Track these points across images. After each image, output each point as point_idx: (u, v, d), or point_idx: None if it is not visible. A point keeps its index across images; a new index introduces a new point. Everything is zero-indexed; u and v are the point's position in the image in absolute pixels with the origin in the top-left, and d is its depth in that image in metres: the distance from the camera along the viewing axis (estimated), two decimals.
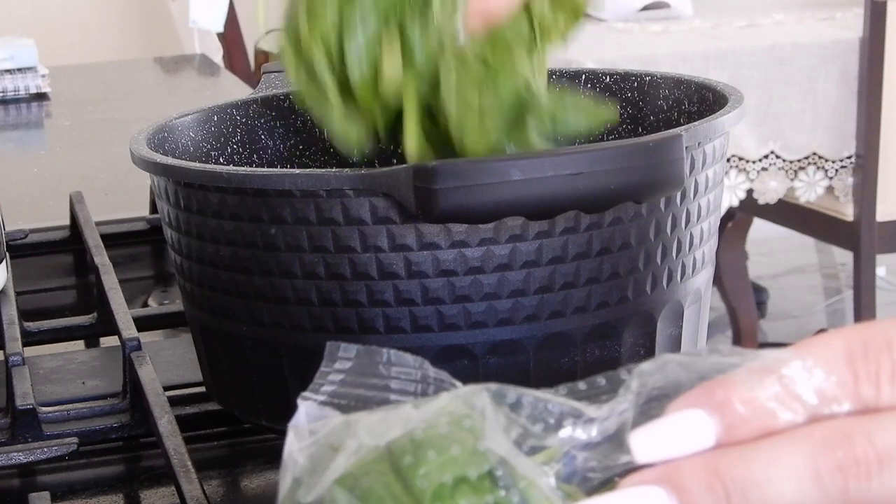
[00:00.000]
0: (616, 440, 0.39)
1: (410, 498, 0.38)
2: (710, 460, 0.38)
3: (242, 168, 0.70)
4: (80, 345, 0.87)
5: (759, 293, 3.23)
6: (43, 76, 1.82)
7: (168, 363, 0.79)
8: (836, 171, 2.53)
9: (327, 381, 0.43)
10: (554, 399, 0.40)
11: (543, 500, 0.38)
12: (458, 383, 0.42)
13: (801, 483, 0.37)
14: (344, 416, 0.41)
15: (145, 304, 0.99)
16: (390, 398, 0.42)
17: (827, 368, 0.38)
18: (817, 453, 0.37)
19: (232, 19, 2.85)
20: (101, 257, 0.88)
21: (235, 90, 1.79)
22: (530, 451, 0.40)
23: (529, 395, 0.40)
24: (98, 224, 0.98)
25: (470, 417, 0.39)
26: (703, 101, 0.68)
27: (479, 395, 0.40)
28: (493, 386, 0.40)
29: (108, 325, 0.81)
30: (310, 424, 0.41)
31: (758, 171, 2.53)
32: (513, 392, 0.40)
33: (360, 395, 0.43)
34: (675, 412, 0.39)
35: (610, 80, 0.75)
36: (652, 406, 0.40)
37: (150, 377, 0.69)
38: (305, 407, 0.42)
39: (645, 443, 0.39)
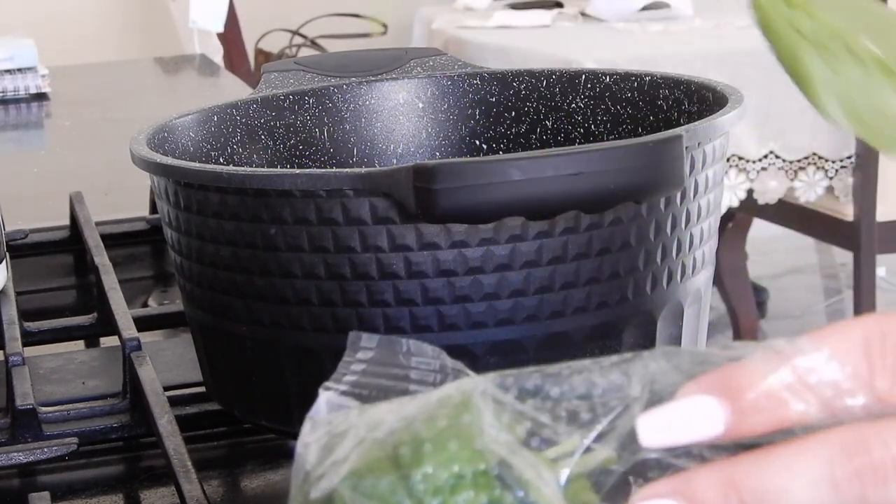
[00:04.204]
0: (632, 432, 0.39)
1: (411, 498, 0.38)
2: (724, 470, 0.37)
3: (242, 168, 0.70)
4: (80, 345, 0.87)
5: (759, 293, 3.23)
6: (43, 76, 1.82)
7: (168, 363, 0.79)
8: (836, 171, 2.53)
9: (349, 371, 0.43)
10: (564, 380, 0.40)
11: (543, 501, 0.38)
12: (473, 374, 0.42)
13: (818, 491, 0.37)
14: (358, 406, 0.41)
15: (145, 304, 0.99)
16: (410, 388, 0.42)
17: (842, 359, 0.38)
18: (834, 460, 0.37)
19: (232, 19, 2.85)
20: (101, 257, 0.88)
21: (235, 90, 1.79)
22: (543, 444, 0.39)
23: (538, 378, 0.40)
24: (98, 224, 0.98)
25: (469, 412, 0.39)
26: (703, 101, 0.68)
27: (478, 389, 0.40)
28: (495, 377, 0.40)
29: (108, 325, 0.81)
30: (327, 415, 0.41)
31: (758, 171, 2.53)
32: (519, 379, 0.40)
33: (380, 385, 0.43)
34: (685, 397, 0.38)
35: (610, 80, 0.75)
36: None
37: (150, 377, 0.70)
38: (326, 397, 0.42)
39: (652, 427, 0.38)
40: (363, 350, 0.44)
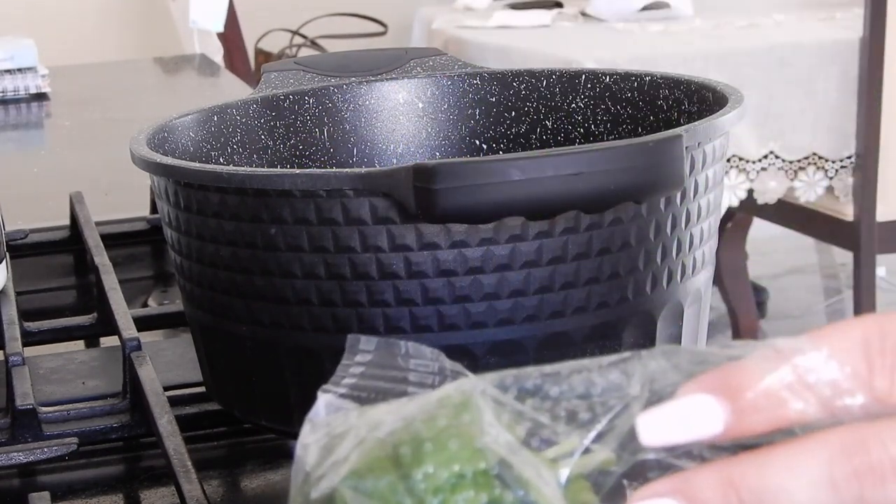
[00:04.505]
0: (632, 431, 0.39)
1: (412, 497, 0.38)
2: (724, 470, 0.38)
3: (242, 168, 0.70)
4: (80, 345, 0.87)
5: (759, 293, 3.23)
6: (43, 76, 1.82)
7: (168, 363, 0.79)
8: (836, 171, 2.53)
9: (348, 373, 0.43)
10: (563, 380, 0.40)
11: (543, 501, 0.38)
12: (472, 375, 0.42)
13: (817, 491, 0.37)
14: (357, 408, 0.41)
15: (145, 304, 0.99)
16: (408, 390, 0.43)
17: (842, 359, 0.38)
18: (833, 461, 0.37)
19: (232, 19, 2.85)
20: (101, 257, 0.88)
21: (235, 90, 1.79)
22: (543, 444, 0.39)
23: (537, 378, 0.40)
24: (98, 224, 0.98)
25: (469, 412, 0.39)
26: (703, 101, 0.68)
27: (477, 389, 0.40)
28: (495, 377, 0.40)
29: (108, 325, 0.81)
30: (326, 417, 0.41)
31: (758, 171, 2.53)
32: (519, 379, 0.40)
33: (379, 387, 0.43)
34: (685, 396, 0.38)
35: (610, 80, 0.75)
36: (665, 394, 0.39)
37: (150, 377, 0.70)
38: (325, 399, 0.42)
39: (652, 426, 0.38)
40: (362, 353, 0.44)
